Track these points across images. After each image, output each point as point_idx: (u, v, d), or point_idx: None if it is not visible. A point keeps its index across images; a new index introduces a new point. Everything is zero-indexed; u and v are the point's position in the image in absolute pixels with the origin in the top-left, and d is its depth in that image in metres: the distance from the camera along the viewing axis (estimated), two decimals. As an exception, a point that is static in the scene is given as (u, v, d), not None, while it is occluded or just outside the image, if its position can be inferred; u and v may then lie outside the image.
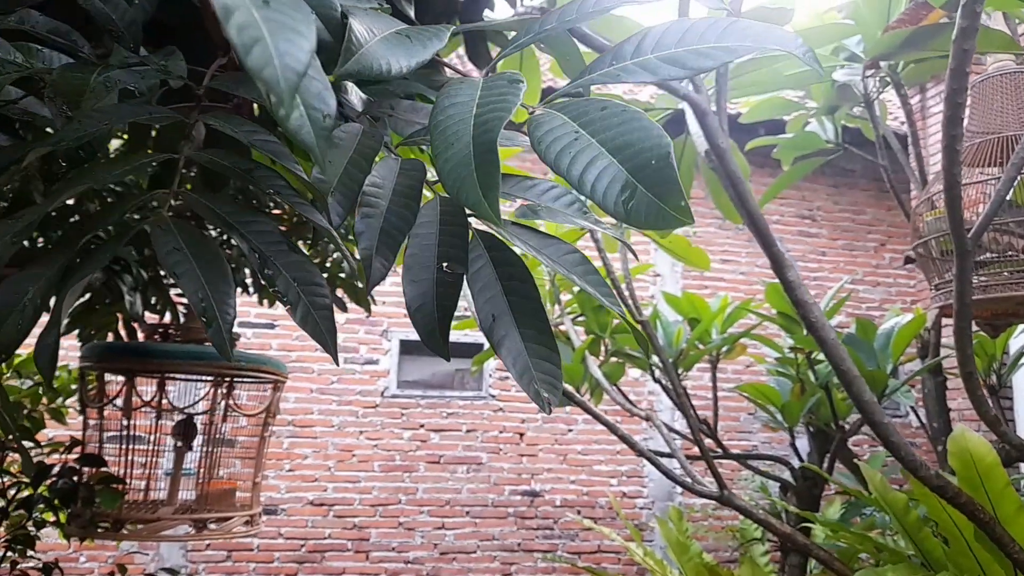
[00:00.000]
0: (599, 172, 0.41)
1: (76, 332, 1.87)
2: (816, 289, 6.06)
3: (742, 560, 3.35)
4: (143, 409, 1.64)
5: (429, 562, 5.32)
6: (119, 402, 1.61)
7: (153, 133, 0.82)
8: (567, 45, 0.89)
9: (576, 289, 2.72)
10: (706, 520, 5.60)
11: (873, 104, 2.20)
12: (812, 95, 2.29)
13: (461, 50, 1.25)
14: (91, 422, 1.65)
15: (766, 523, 2.02)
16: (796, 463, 2.92)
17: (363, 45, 0.45)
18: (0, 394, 1.30)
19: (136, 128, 0.66)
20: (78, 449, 1.71)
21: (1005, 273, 1.80)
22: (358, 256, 0.49)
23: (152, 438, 1.66)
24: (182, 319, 1.81)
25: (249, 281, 1.99)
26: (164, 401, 1.64)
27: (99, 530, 1.56)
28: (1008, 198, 1.75)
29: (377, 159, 0.51)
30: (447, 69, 0.71)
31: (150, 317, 1.85)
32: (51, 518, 1.95)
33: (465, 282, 0.52)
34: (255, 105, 0.71)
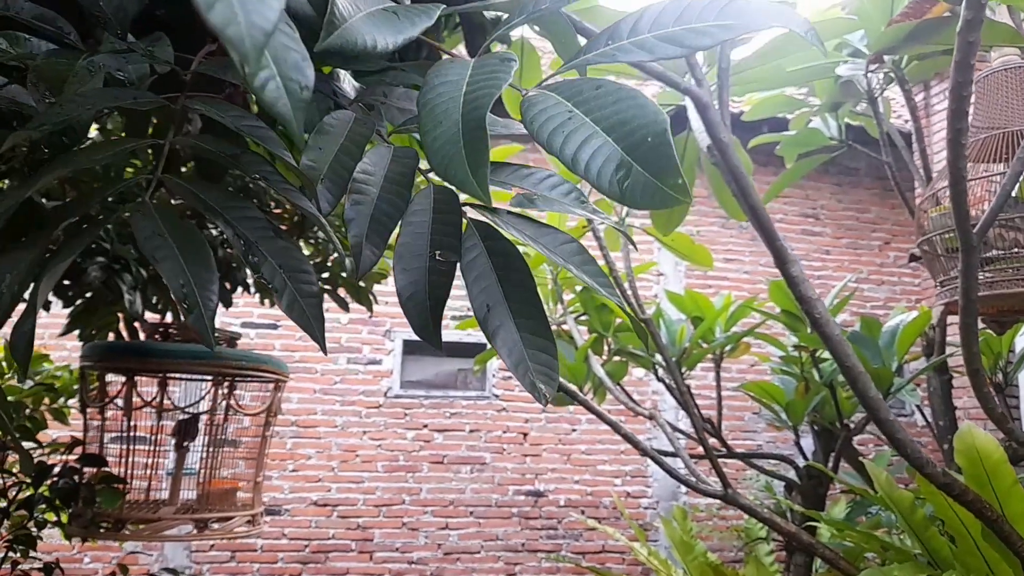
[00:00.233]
0: (593, 151, 0.40)
1: (77, 332, 1.87)
2: (820, 288, 6.03)
3: (747, 560, 3.33)
4: (144, 409, 1.64)
5: (433, 562, 5.31)
6: (120, 402, 1.60)
7: (152, 125, 0.81)
8: (563, 29, 0.88)
9: (579, 288, 2.71)
10: (711, 520, 5.58)
11: (877, 100, 2.19)
12: (815, 92, 2.27)
13: (462, 47, 1.24)
14: (93, 422, 1.65)
15: (771, 522, 2.01)
16: (801, 462, 2.91)
17: (347, 20, 0.44)
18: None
19: (133, 118, 0.65)
20: (79, 449, 1.70)
21: (1011, 269, 1.79)
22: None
23: (153, 438, 1.66)
24: (183, 318, 1.80)
25: (250, 281, 1.98)
26: (165, 401, 1.63)
27: (100, 530, 1.55)
28: (1013, 194, 1.73)
29: (369, 147, 0.50)
30: (445, 57, 0.70)
31: (151, 317, 1.84)
32: (53, 518, 1.95)
33: (460, 273, 0.51)
34: (250, 97, 0.71)
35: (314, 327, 0.48)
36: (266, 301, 2.18)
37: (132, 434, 1.61)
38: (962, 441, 1.51)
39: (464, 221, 0.52)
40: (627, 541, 3.86)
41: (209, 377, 1.67)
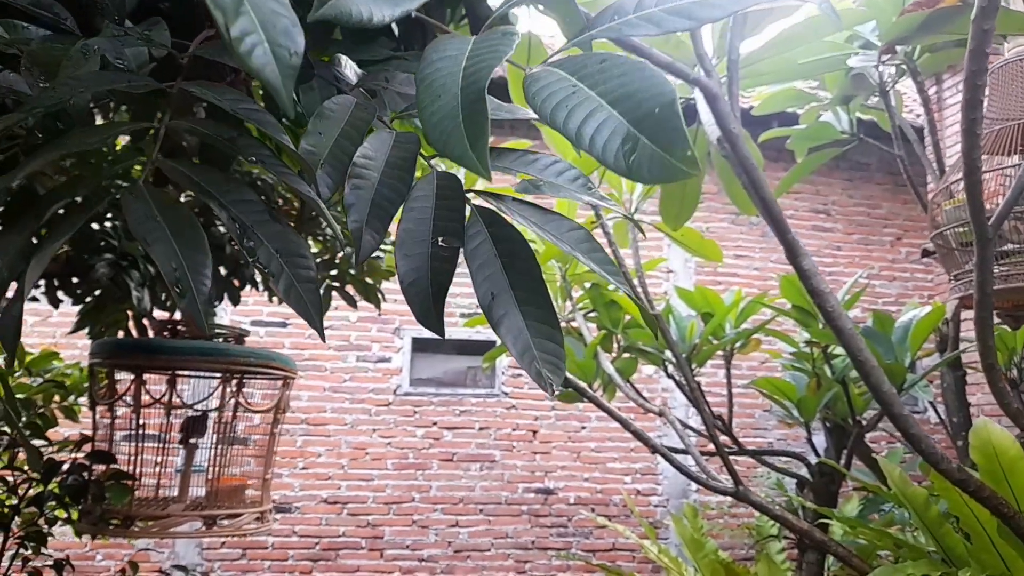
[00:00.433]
0: (598, 125, 0.38)
1: (87, 330, 1.87)
2: (831, 284, 5.98)
3: (758, 557, 3.32)
4: (154, 406, 1.64)
5: (443, 560, 5.31)
6: (129, 399, 1.61)
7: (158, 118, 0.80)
8: (568, 6, 0.86)
9: (587, 285, 2.69)
10: (721, 517, 5.55)
11: (888, 94, 2.16)
12: (826, 85, 2.25)
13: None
14: (103, 420, 1.65)
15: (783, 519, 1.99)
16: (813, 459, 2.88)
17: (341, -11, 0.43)
18: (5, 390, 1.30)
19: (139, 104, 0.64)
20: (88, 446, 1.71)
21: (1027, 263, 1.76)
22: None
23: (163, 435, 1.66)
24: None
25: (259, 278, 1.98)
26: (174, 398, 1.63)
27: (110, 527, 1.55)
28: (1029, 186, 1.71)
29: (370, 133, 0.49)
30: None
31: (160, 315, 1.85)
32: (63, 515, 1.95)
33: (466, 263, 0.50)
34: (252, 84, 0.70)
35: (312, 313, 0.47)
36: (275, 299, 2.18)
37: (141, 431, 1.61)
38: (978, 437, 1.49)
39: (468, 208, 0.51)
40: (637, 539, 3.85)
41: (218, 374, 1.67)
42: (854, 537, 2.39)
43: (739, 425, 5.72)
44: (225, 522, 1.65)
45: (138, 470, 1.61)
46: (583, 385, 2.43)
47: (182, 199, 1.74)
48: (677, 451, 2.64)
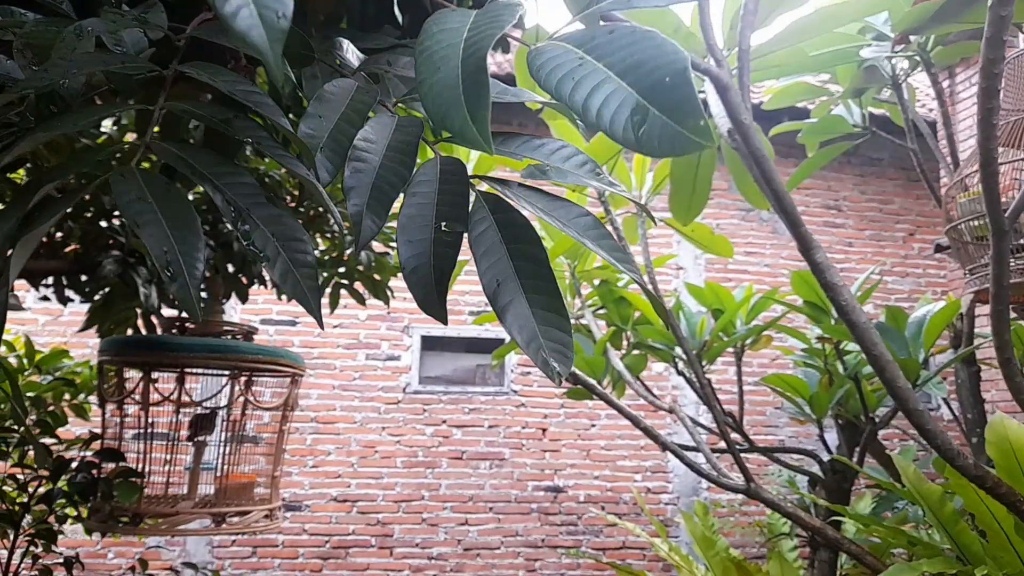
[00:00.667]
0: (606, 96, 0.37)
1: (97, 328, 1.87)
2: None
3: (770, 555, 3.29)
4: (162, 404, 1.63)
5: (453, 558, 5.31)
6: (138, 397, 1.60)
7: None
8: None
9: (597, 282, 2.68)
10: (732, 515, 5.53)
11: (901, 86, 2.13)
12: (838, 78, 2.22)
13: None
14: (113, 418, 1.65)
15: (795, 516, 1.97)
16: (825, 456, 2.86)
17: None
18: (13, 386, 1.29)
19: (137, 90, 0.63)
20: (97, 444, 1.71)
21: (1043, 256, 1.74)
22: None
23: (172, 433, 1.65)
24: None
25: (267, 275, 1.98)
26: (183, 396, 1.63)
27: (119, 524, 1.55)
28: (1046, 178, 1.68)
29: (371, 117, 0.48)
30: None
31: (170, 312, 1.85)
32: (73, 513, 1.96)
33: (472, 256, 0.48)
34: (255, 72, 0.69)
35: (309, 299, 0.46)
36: (283, 297, 2.18)
37: (150, 429, 1.61)
38: (994, 432, 1.47)
39: (472, 194, 0.50)
40: (648, 537, 3.83)
41: (226, 372, 1.67)
42: (867, 535, 2.36)
43: (750, 422, 5.69)
44: (234, 519, 1.64)
45: (147, 468, 1.61)
46: (593, 382, 2.42)
47: (190, 197, 1.74)
48: (688, 448, 2.62)
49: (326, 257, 2.11)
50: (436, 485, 5.37)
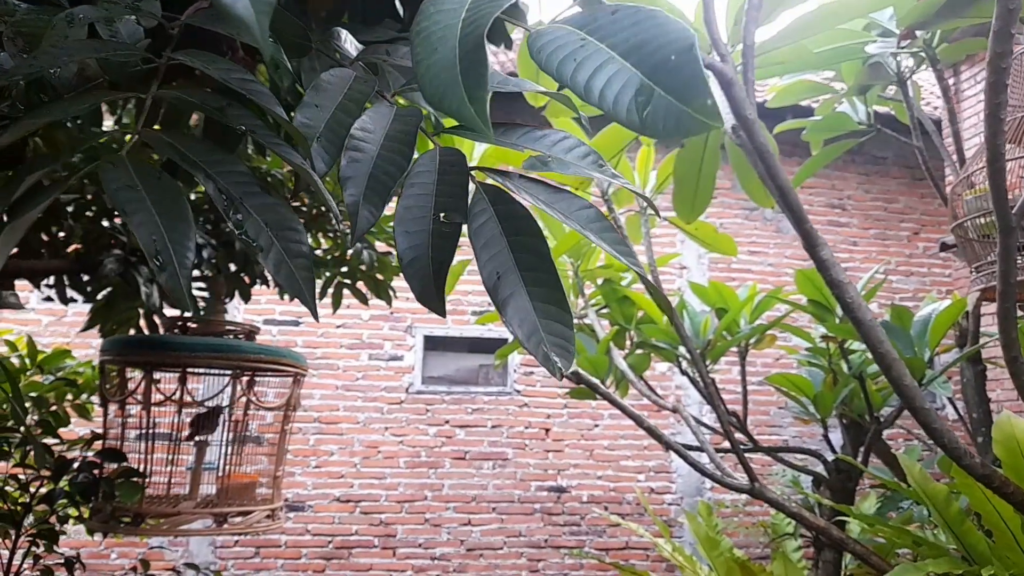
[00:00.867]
0: (609, 77, 0.36)
1: (99, 328, 1.87)
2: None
3: (774, 556, 3.28)
4: (164, 403, 1.63)
5: (456, 558, 5.30)
6: (140, 396, 1.60)
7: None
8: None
9: (600, 281, 2.67)
10: (736, 515, 5.51)
11: (906, 84, 2.12)
12: (842, 75, 2.21)
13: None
14: (116, 419, 1.64)
15: (799, 516, 1.96)
16: (829, 456, 2.84)
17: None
18: (13, 388, 1.29)
19: (130, 79, 0.62)
20: (99, 444, 1.70)
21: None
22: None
23: (174, 433, 1.65)
24: (201, 311, 1.79)
25: (270, 276, 1.97)
26: (185, 396, 1.62)
27: (120, 524, 1.55)
28: (1053, 175, 1.67)
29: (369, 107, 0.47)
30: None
31: (171, 312, 1.84)
32: (75, 513, 1.95)
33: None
34: (255, 64, 0.68)
35: (304, 290, 0.45)
36: (286, 296, 2.17)
37: (152, 429, 1.60)
38: (1001, 431, 1.46)
39: (472, 186, 0.49)
40: (651, 537, 3.82)
41: (229, 372, 1.66)
42: (872, 535, 2.35)
43: (754, 422, 5.67)
44: (236, 519, 1.64)
45: (149, 468, 1.60)
46: (596, 381, 2.41)
47: (192, 197, 1.73)
48: (691, 448, 2.61)
49: (328, 256, 2.10)
50: (439, 485, 5.37)
